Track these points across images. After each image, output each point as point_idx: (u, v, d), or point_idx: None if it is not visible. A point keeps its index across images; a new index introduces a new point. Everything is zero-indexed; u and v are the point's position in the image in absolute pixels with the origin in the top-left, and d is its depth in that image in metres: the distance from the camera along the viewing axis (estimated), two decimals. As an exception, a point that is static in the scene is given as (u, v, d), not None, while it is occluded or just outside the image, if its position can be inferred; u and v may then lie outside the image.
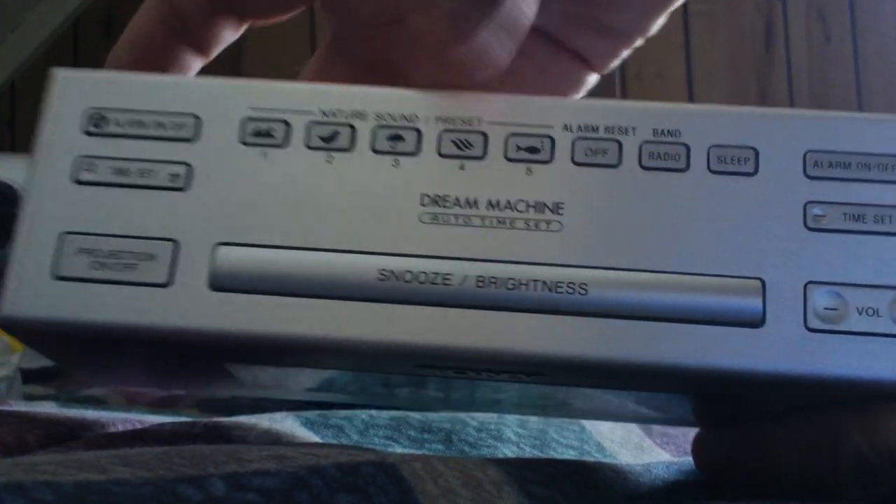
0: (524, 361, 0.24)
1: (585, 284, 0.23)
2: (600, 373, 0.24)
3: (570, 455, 0.36)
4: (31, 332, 0.25)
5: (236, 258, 0.24)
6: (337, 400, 0.35)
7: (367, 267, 0.24)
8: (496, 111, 0.25)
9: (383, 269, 0.24)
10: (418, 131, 0.25)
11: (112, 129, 0.25)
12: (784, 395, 0.24)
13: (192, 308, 0.24)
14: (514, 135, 0.25)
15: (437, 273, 0.24)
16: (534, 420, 0.38)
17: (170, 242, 0.24)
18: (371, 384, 0.30)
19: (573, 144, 0.25)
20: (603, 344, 0.23)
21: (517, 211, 0.24)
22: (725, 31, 1.61)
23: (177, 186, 0.25)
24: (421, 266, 0.24)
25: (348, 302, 0.24)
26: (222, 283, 0.24)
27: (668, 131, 0.25)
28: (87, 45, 1.74)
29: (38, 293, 0.24)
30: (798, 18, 1.60)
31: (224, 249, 0.24)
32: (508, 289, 0.24)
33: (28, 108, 1.71)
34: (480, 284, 0.24)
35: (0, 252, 0.26)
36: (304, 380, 0.29)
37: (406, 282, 0.24)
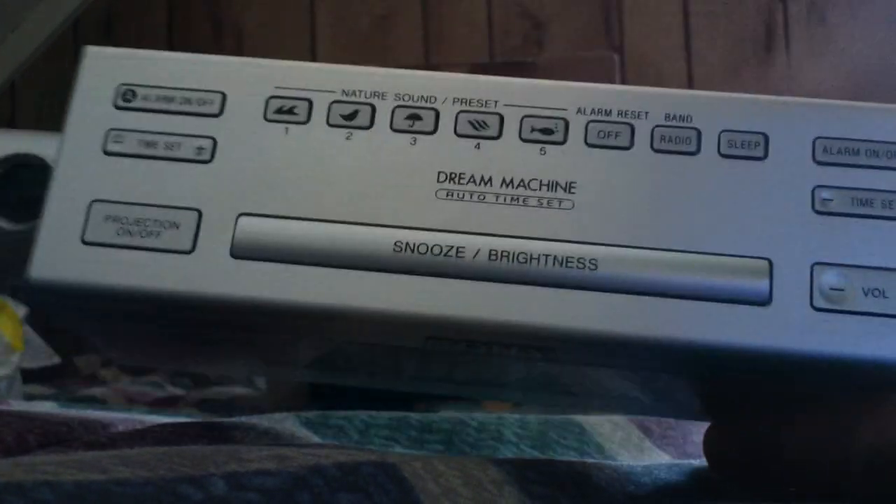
0: (534, 334, 0.24)
1: (596, 260, 0.24)
2: (607, 347, 0.24)
3: (570, 456, 0.36)
4: (58, 296, 0.25)
5: (257, 228, 0.25)
6: (343, 381, 0.34)
7: (383, 238, 0.24)
8: (512, 94, 0.26)
9: (398, 241, 0.24)
10: (436, 111, 0.26)
11: (141, 103, 0.26)
12: (792, 380, 0.24)
13: (213, 274, 0.24)
14: (529, 116, 0.25)
15: (450, 246, 0.24)
16: (534, 421, 0.38)
17: (194, 211, 0.25)
18: (377, 365, 0.30)
19: (586, 127, 0.25)
20: (612, 318, 0.24)
21: (530, 189, 0.25)
22: (726, 32, 1.61)
23: (202, 159, 0.25)
24: (435, 239, 0.24)
25: (364, 272, 0.24)
26: (243, 251, 0.24)
27: (680, 116, 0.25)
28: (87, 45, 1.74)
29: (66, 258, 0.24)
30: (799, 19, 1.60)
31: (246, 219, 0.25)
32: (520, 263, 0.24)
33: (28, 108, 1.71)
34: (493, 258, 0.24)
35: (31, 223, 0.27)
36: (316, 356, 0.29)
37: (420, 254, 0.24)
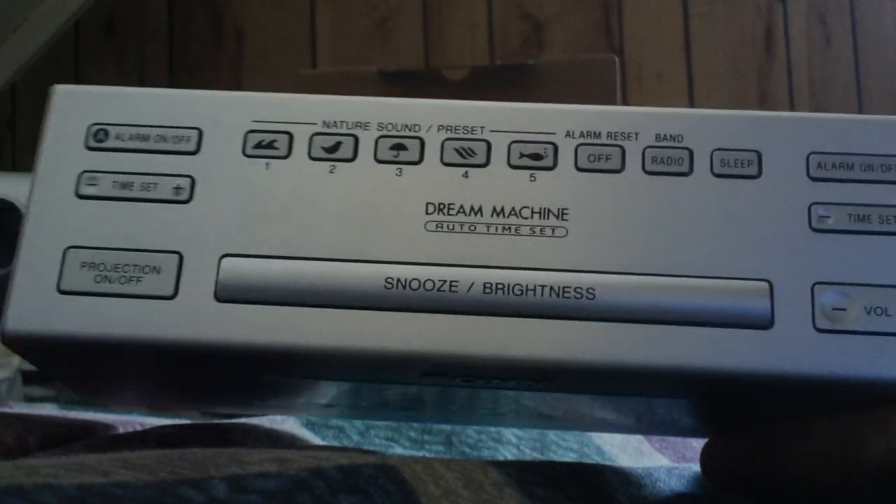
0: (533, 367, 0.23)
1: (593, 289, 0.23)
2: (609, 377, 0.24)
3: (569, 457, 0.36)
4: (35, 348, 0.24)
5: (242, 269, 0.24)
6: (332, 415, 0.35)
7: (373, 275, 0.24)
8: (498, 119, 0.25)
9: (389, 278, 0.24)
10: (421, 140, 0.25)
11: (114, 143, 0.25)
12: (796, 398, 0.24)
13: (198, 320, 0.24)
14: (517, 142, 0.25)
15: (443, 280, 0.24)
16: (534, 422, 0.38)
17: (174, 255, 0.24)
18: (370, 400, 0.30)
19: (576, 150, 0.25)
20: (612, 348, 0.23)
21: (522, 217, 0.24)
22: (726, 33, 1.61)
23: (180, 199, 0.25)
24: (427, 273, 0.24)
25: (355, 311, 0.24)
26: (228, 294, 0.24)
27: (671, 136, 0.25)
28: (88, 46, 1.74)
29: (42, 308, 0.24)
30: (798, 20, 1.60)
31: (229, 261, 0.24)
32: (516, 295, 0.23)
33: (29, 109, 1.71)
34: (487, 291, 0.24)
35: (3, 270, 0.26)
36: (305, 396, 0.29)
37: (413, 289, 0.24)
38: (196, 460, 0.21)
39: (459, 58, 1.61)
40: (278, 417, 0.35)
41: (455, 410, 0.31)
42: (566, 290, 0.23)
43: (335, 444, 0.34)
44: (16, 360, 0.93)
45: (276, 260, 0.24)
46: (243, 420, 0.35)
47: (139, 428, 0.34)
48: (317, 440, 0.34)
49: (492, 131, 0.25)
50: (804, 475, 0.24)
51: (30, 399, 0.91)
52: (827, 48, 1.60)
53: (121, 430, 0.33)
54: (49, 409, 0.51)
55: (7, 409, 0.41)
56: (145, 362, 0.25)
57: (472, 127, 0.25)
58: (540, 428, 0.37)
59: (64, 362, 0.26)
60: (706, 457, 0.28)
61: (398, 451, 0.34)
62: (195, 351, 0.24)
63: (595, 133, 0.25)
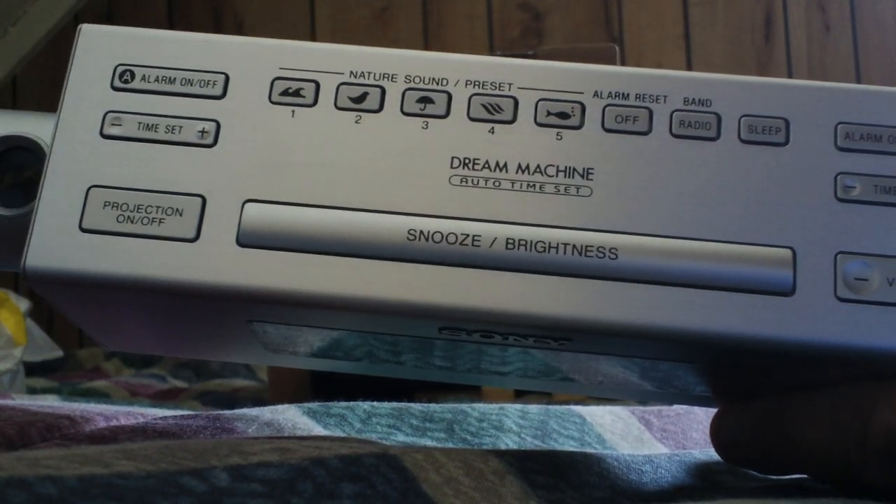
0: (552, 325, 0.23)
1: (616, 249, 0.24)
2: (628, 338, 0.24)
3: (570, 445, 0.36)
4: (55, 286, 0.24)
5: (264, 215, 0.24)
6: (343, 369, 0.34)
7: (395, 226, 0.24)
8: (527, 76, 0.25)
9: (412, 229, 0.24)
10: (448, 94, 0.25)
11: (140, 84, 0.25)
12: (812, 367, 0.24)
13: (219, 264, 0.24)
14: (545, 100, 0.25)
15: (466, 234, 0.24)
16: (535, 410, 0.38)
17: (198, 198, 0.24)
18: (381, 352, 0.30)
19: (603, 111, 0.25)
20: (632, 309, 0.23)
21: (547, 175, 0.24)
22: (725, 21, 1.60)
23: (205, 143, 0.25)
24: (450, 227, 0.24)
25: (376, 261, 0.24)
26: (250, 239, 0.24)
27: (700, 100, 0.25)
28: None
29: (63, 246, 0.24)
30: (798, 8, 1.60)
31: (252, 206, 0.24)
32: (538, 252, 0.24)
33: (29, 102, 1.71)
34: (510, 246, 0.24)
35: (26, 207, 0.26)
36: (319, 343, 0.29)
37: (435, 242, 0.24)
38: (197, 450, 0.21)
39: (459, 48, 1.60)
40: (279, 407, 0.35)
41: (462, 367, 0.31)
42: (589, 249, 0.24)
43: (337, 431, 0.34)
44: (18, 352, 0.93)
45: (298, 207, 0.24)
46: (244, 410, 0.35)
47: (141, 419, 0.34)
48: (318, 428, 0.34)
49: (519, 88, 0.25)
50: (811, 443, 0.24)
51: (32, 390, 0.92)
52: (826, 36, 1.60)
53: (122, 421, 0.33)
54: (51, 401, 0.52)
55: (9, 401, 0.41)
56: (164, 303, 0.25)
57: (500, 83, 0.25)
58: (548, 390, 0.37)
59: (82, 303, 0.26)
60: (716, 427, 0.28)
61: (400, 438, 0.34)
62: (214, 295, 0.24)
63: (623, 94, 0.25)
